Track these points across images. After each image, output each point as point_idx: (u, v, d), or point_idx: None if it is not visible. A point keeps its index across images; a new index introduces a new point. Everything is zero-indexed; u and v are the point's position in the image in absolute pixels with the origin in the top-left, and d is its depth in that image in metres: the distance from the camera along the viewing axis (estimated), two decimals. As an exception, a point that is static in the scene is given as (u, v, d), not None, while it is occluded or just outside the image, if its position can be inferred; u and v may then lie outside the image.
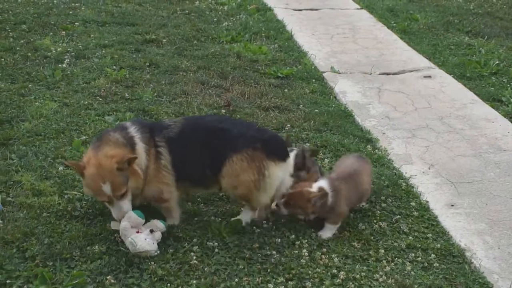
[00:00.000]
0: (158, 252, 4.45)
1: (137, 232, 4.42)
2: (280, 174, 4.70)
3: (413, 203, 5.35)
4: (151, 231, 4.49)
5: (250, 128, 4.80)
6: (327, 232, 4.86)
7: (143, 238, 4.36)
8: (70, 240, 4.49)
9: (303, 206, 4.79)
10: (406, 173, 5.90)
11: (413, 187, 5.66)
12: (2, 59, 7.84)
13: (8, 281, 4.05)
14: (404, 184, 5.64)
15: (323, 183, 4.86)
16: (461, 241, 4.92)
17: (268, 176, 4.61)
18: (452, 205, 5.44)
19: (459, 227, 5.12)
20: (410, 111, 7.30)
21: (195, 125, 4.80)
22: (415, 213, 5.21)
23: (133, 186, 4.49)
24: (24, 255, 4.32)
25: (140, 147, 4.54)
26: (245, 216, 4.88)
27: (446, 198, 5.55)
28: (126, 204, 4.48)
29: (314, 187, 4.82)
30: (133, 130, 4.60)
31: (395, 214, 5.19)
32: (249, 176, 4.57)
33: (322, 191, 4.75)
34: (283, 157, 4.75)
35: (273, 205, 4.92)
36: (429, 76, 8.40)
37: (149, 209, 4.78)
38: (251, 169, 4.57)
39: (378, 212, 5.17)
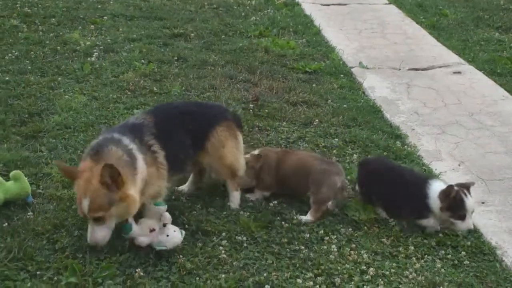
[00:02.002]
0: (183, 232, 4.44)
1: (152, 230, 4.36)
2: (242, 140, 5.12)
3: (443, 200, 5.29)
4: (164, 225, 4.42)
5: (214, 104, 5.41)
6: (252, 195, 5.16)
7: (165, 237, 4.32)
8: (100, 232, 4.50)
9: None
10: (436, 169, 5.84)
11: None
12: (32, 53, 7.90)
13: (38, 272, 4.07)
14: (434, 180, 5.58)
15: (256, 151, 5.25)
16: (492, 239, 4.86)
17: (240, 141, 5.03)
18: (483, 203, 5.37)
19: (490, 224, 5.06)
20: (440, 107, 7.23)
21: (166, 114, 4.81)
22: (445, 210, 5.16)
23: (121, 214, 4.17)
24: (54, 246, 4.34)
25: (140, 160, 4.30)
26: (234, 200, 5.04)
27: (476, 195, 5.46)
28: (103, 231, 4.13)
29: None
30: (128, 142, 4.32)
31: (425, 211, 5.14)
32: (231, 143, 4.92)
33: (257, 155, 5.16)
34: (241, 127, 5.23)
35: None
36: (459, 72, 8.32)
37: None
38: (231, 136, 4.93)
39: (408, 208, 5.12)
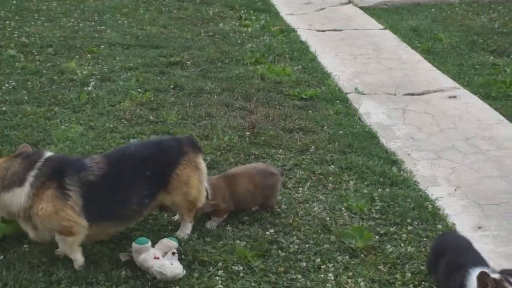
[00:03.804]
0: (184, 271, 4.45)
1: (156, 258, 4.42)
2: (204, 164, 5.06)
3: (439, 226, 5.30)
4: (173, 253, 4.50)
5: (168, 140, 5.17)
6: (213, 222, 5.16)
7: (169, 264, 4.37)
8: (96, 264, 4.51)
9: None
10: (432, 195, 5.85)
11: (439, 209, 5.60)
12: (29, 83, 7.93)
13: (34, 306, 4.08)
14: (430, 206, 5.59)
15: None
16: (489, 264, 4.85)
17: (202, 168, 4.98)
18: (480, 228, 5.38)
19: (487, 249, 5.05)
20: (436, 132, 7.25)
21: (121, 164, 4.71)
22: (442, 236, 5.16)
23: None
24: (50, 279, 4.35)
25: (26, 187, 4.37)
26: (187, 230, 4.99)
27: (473, 220, 5.49)
28: None
29: None
30: (37, 167, 4.43)
31: (422, 237, 5.14)
32: (194, 177, 4.87)
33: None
34: (201, 149, 5.17)
35: None
36: (454, 97, 8.35)
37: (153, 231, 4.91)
38: (192, 170, 4.86)
39: (405, 235, 5.11)
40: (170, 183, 4.79)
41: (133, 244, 4.47)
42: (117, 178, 4.59)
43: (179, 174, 4.81)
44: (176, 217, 5.15)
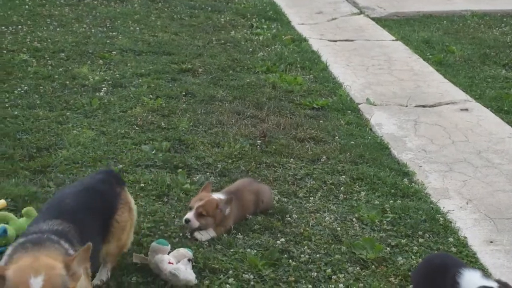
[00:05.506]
0: (197, 281, 4.44)
1: (170, 263, 4.42)
2: (133, 200, 4.64)
3: (451, 239, 5.28)
4: (189, 260, 4.51)
5: (96, 181, 4.43)
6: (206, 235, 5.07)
7: (184, 268, 4.37)
8: (106, 270, 4.50)
9: (214, 214, 5.05)
10: (443, 207, 5.82)
11: (451, 222, 5.58)
12: (41, 87, 7.95)
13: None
14: (441, 219, 5.57)
15: (220, 195, 5.22)
16: (501, 279, 4.81)
17: (133, 207, 4.56)
18: (491, 242, 5.34)
19: (498, 264, 5.03)
20: (447, 145, 7.22)
21: (75, 214, 3.96)
22: (453, 249, 5.14)
23: None
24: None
25: None
26: (104, 274, 4.43)
27: (485, 234, 5.46)
28: None
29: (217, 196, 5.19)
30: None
31: (433, 249, 5.11)
32: (129, 221, 4.46)
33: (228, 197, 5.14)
34: (124, 182, 4.73)
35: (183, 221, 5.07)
36: (466, 109, 8.32)
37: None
38: (128, 214, 4.43)
39: (416, 247, 5.09)
40: (110, 232, 4.30)
41: (153, 243, 4.49)
42: (83, 233, 3.93)
43: (119, 220, 4.35)
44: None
